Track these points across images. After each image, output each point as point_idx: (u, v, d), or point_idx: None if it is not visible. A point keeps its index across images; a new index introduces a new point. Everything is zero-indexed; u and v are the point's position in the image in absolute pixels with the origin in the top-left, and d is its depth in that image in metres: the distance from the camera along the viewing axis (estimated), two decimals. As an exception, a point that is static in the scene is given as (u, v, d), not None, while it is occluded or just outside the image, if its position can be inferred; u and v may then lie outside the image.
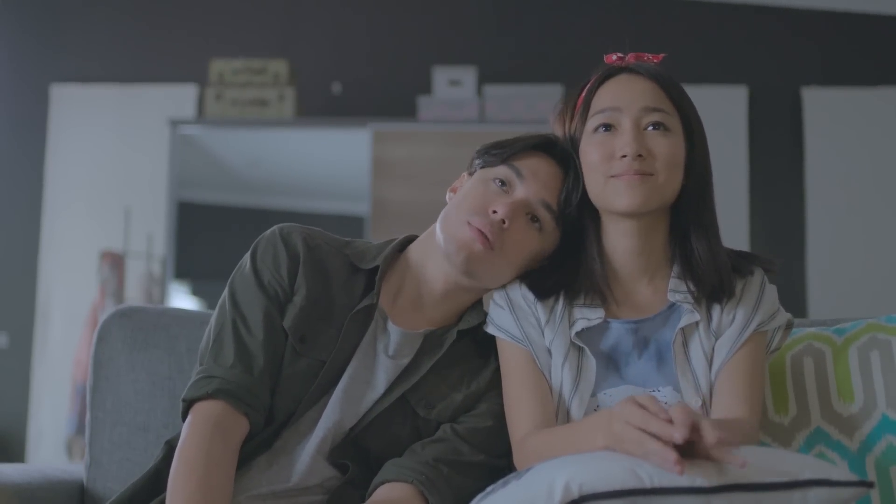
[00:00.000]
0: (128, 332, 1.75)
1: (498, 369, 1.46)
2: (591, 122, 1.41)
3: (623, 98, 1.39)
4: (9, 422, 4.63)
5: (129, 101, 4.77)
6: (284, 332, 1.42)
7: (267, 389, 1.38)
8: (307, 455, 1.39)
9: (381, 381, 1.43)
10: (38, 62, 4.89)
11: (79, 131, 4.78)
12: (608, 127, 1.39)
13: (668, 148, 1.37)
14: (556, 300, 1.43)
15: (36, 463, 4.30)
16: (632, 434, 1.11)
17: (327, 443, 1.40)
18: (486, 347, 1.49)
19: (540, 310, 1.42)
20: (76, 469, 1.79)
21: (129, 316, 1.77)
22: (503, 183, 1.44)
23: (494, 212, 1.41)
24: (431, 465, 1.37)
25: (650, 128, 1.37)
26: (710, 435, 1.07)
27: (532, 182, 1.43)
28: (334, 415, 1.40)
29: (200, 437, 1.31)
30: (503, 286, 1.47)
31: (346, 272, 1.48)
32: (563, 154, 1.46)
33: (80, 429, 4.27)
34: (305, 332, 1.42)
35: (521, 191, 1.43)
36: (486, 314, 1.50)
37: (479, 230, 1.40)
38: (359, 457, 1.40)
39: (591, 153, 1.40)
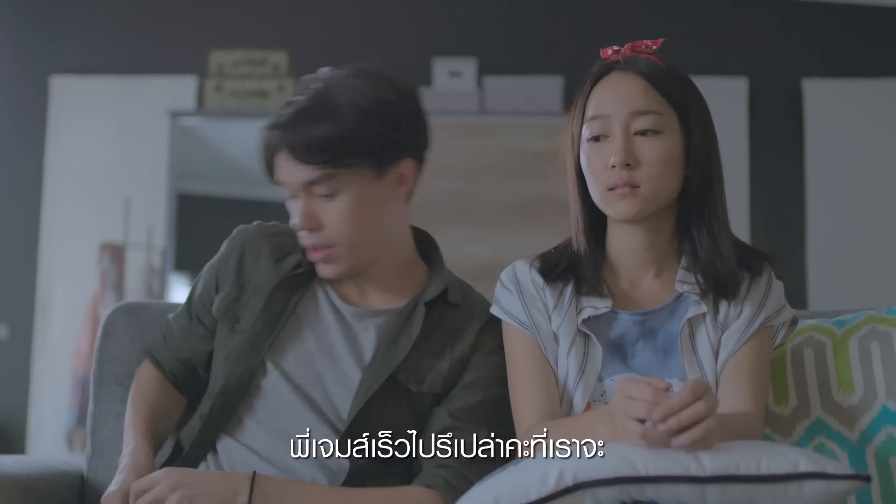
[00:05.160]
0: (134, 329, 1.77)
1: (480, 330, 1.48)
2: (585, 130, 1.42)
3: (611, 104, 1.40)
4: (9, 413, 4.64)
5: (128, 93, 4.76)
6: (214, 321, 1.54)
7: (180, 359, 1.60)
8: (301, 428, 1.41)
9: (354, 369, 1.46)
10: (37, 53, 4.88)
11: (78, 123, 4.76)
12: (598, 138, 1.40)
13: (657, 154, 1.37)
14: (566, 285, 1.44)
15: (36, 454, 4.31)
16: (634, 427, 1.12)
17: (327, 436, 1.41)
18: (458, 308, 1.50)
19: (549, 294, 1.43)
20: (77, 460, 1.79)
21: (135, 314, 1.79)
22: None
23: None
24: (444, 464, 1.40)
25: (640, 133, 1.38)
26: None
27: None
28: (328, 404, 1.43)
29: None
30: (512, 265, 1.48)
31: (287, 252, 1.54)
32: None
33: (80, 420, 4.28)
34: (236, 311, 1.51)
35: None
36: (446, 279, 1.51)
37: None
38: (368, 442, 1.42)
39: (587, 162, 1.41)
